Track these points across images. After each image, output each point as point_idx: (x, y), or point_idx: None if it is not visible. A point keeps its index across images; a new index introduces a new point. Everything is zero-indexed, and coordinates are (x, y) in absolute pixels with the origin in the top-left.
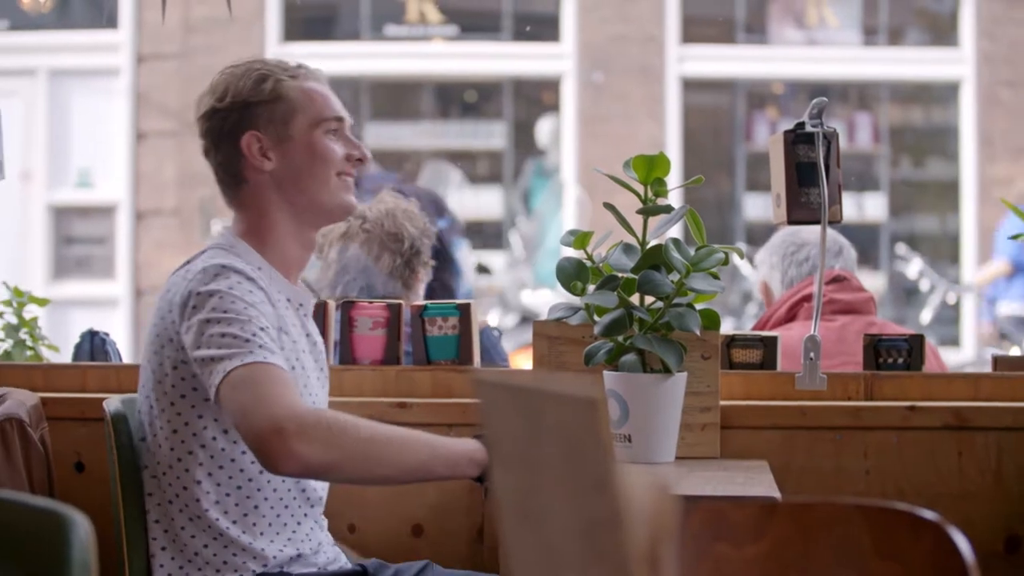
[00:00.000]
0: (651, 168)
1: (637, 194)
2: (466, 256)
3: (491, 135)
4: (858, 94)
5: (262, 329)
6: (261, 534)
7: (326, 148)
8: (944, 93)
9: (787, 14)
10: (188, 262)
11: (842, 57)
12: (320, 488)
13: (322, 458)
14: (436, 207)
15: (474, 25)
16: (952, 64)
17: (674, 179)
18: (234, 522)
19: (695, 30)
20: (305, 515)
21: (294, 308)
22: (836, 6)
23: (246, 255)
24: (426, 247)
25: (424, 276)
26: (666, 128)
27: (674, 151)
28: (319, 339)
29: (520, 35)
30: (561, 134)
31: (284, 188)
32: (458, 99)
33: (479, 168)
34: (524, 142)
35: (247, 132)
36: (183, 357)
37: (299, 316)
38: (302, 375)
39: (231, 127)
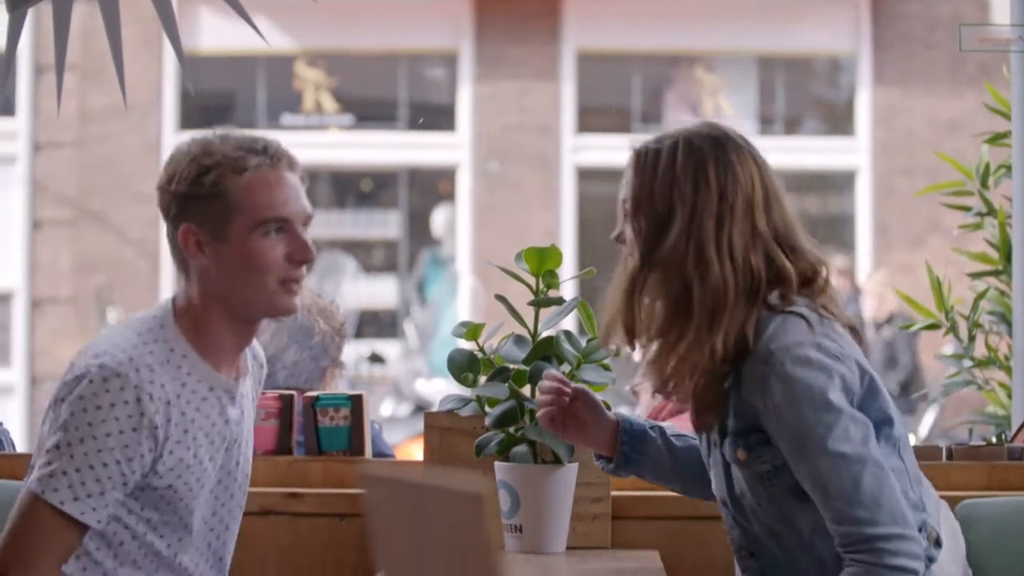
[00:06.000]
0: (543, 260)
1: (529, 286)
2: None
3: (386, 224)
4: None
5: (104, 465)
6: None
7: (261, 254)
8: (840, 182)
9: (683, 103)
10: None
11: None
12: None
13: None
14: None
15: (370, 114)
16: (848, 153)
17: (567, 270)
18: None
19: (591, 120)
20: None
21: (216, 396)
22: (732, 95)
23: (173, 340)
24: (336, 347)
25: (333, 376)
26: (561, 218)
27: (569, 241)
28: (247, 425)
29: (416, 125)
30: (456, 224)
31: (217, 285)
32: (354, 188)
33: (374, 257)
34: (419, 232)
35: (183, 224)
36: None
37: (220, 403)
38: (197, 469)
39: (173, 213)
